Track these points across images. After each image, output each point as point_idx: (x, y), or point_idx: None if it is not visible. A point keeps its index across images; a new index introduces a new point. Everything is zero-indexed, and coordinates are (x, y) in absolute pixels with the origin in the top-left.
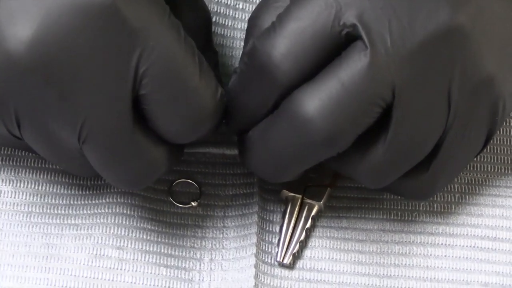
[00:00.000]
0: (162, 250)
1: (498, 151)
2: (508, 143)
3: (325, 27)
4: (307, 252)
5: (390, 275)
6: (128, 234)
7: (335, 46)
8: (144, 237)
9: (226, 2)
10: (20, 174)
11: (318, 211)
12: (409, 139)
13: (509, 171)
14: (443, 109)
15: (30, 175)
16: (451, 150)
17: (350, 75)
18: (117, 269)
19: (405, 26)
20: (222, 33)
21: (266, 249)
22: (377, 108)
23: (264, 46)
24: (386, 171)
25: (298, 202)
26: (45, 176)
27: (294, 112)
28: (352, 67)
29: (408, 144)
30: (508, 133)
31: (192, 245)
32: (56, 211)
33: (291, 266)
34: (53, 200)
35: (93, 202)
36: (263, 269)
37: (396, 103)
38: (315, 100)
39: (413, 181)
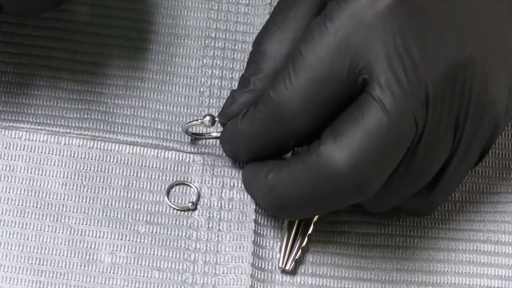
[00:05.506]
0: (156, 253)
1: (500, 156)
2: (510, 148)
3: (341, 76)
4: (308, 257)
5: (392, 280)
6: (121, 239)
7: (351, 92)
8: (138, 240)
9: (227, 9)
10: (14, 171)
11: (320, 216)
12: (419, 170)
13: (511, 176)
14: (450, 138)
15: (24, 172)
16: (454, 172)
17: (377, 123)
18: (109, 273)
19: (418, 65)
20: (224, 37)
21: (266, 256)
22: (405, 148)
23: (281, 98)
24: (392, 199)
25: None
26: (39, 173)
27: (326, 167)
28: (377, 115)
29: (417, 174)
30: (510, 137)
31: (186, 246)
32: (49, 209)
33: (293, 272)
34: (47, 197)
35: (87, 204)
36: (261, 277)
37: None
38: (346, 154)
39: (415, 201)
